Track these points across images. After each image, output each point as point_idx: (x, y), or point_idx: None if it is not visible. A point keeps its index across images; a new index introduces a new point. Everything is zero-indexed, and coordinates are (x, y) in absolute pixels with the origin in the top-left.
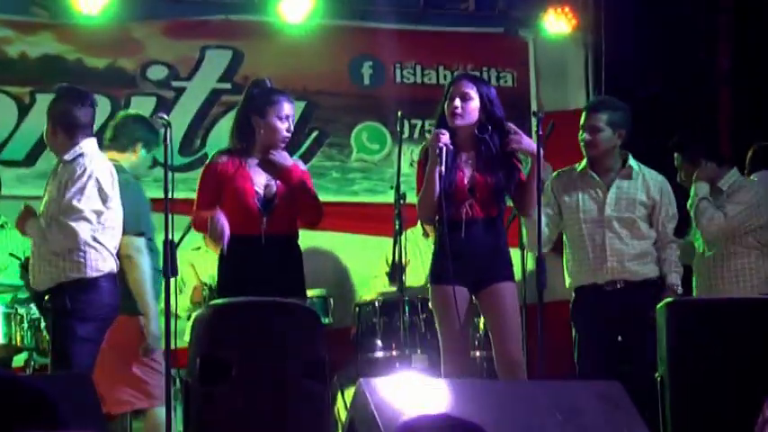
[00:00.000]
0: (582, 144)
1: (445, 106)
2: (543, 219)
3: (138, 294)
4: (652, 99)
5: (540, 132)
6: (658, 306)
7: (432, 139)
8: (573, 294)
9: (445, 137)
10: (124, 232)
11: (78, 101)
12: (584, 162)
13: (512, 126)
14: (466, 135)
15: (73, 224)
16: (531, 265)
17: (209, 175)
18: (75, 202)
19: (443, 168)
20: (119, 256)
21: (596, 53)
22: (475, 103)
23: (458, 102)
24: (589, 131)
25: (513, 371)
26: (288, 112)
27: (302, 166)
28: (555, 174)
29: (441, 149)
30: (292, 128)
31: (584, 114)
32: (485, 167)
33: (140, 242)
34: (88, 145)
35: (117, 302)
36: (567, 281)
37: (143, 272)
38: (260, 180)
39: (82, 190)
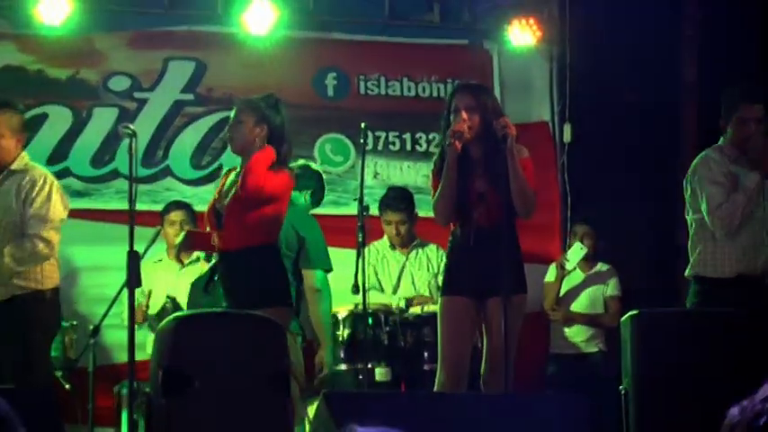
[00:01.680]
0: None
1: (451, 119)
2: None
3: (323, 326)
4: (618, 110)
5: (503, 144)
6: (623, 318)
7: (449, 134)
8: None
9: (462, 125)
10: (315, 266)
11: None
12: None
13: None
14: (475, 145)
15: (47, 234)
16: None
17: None
18: (45, 212)
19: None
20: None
21: (561, 65)
22: (478, 113)
23: (464, 114)
24: None
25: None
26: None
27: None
28: None
29: (457, 134)
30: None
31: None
32: (496, 175)
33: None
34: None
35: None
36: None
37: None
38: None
39: (48, 199)
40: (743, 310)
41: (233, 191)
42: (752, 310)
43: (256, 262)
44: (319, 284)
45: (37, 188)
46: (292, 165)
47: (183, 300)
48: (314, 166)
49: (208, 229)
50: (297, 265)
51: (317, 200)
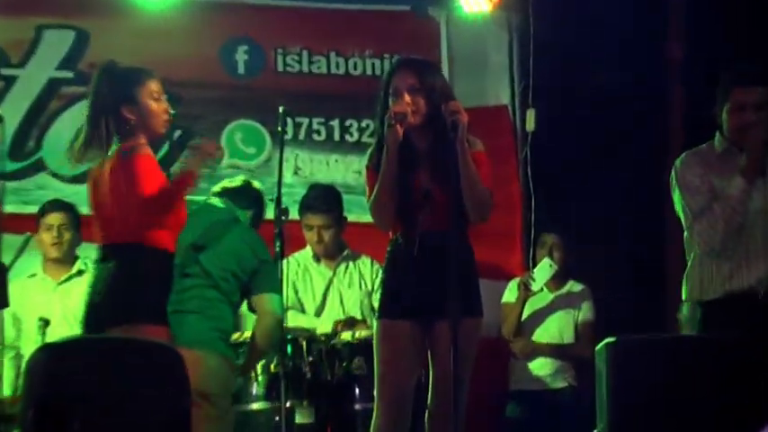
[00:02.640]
0: None
1: (390, 104)
2: None
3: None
4: (591, 93)
5: (452, 133)
6: (597, 347)
7: (389, 116)
8: None
9: (401, 107)
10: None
11: None
12: None
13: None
14: (419, 134)
15: None
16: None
17: None
18: None
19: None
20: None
21: (523, 37)
22: (423, 96)
23: (407, 97)
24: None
25: None
26: (160, 90)
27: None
28: None
29: (399, 116)
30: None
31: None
32: (443, 170)
33: None
34: None
35: None
36: None
37: None
38: None
39: None
40: (734, 335)
41: None
42: (744, 333)
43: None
44: (280, 311)
45: None
46: (230, 181)
47: (60, 323)
48: (256, 183)
49: None
50: (247, 287)
51: (256, 223)
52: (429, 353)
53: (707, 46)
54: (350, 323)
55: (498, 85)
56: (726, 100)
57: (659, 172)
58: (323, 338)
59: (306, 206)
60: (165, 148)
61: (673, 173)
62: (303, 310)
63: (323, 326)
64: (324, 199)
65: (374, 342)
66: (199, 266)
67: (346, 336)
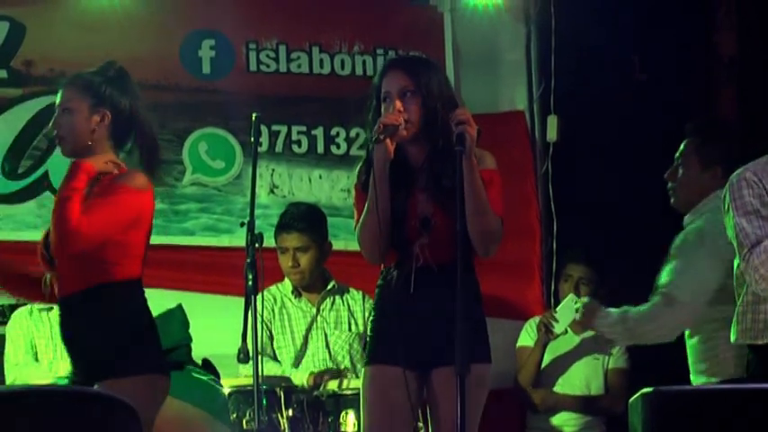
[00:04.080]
0: None
1: (382, 110)
2: None
3: None
4: (624, 97)
5: (458, 147)
6: (631, 399)
7: (376, 129)
8: None
9: (391, 118)
10: None
11: None
12: None
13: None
14: (415, 147)
15: None
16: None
17: None
18: None
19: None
20: None
21: (543, 31)
22: (418, 101)
23: (399, 104)
24: None
25: None
26: None
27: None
28: None
29: (388, 128)
30: None
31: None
32: (445, 192)
33: None
34: None
35: None
36: None
37: None
38: None
39: None
40: None
41: None
42: None
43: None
44: None
45: None
46: None
47: None
48: None
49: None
50: None
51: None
52: (428, 406)
53: (763, 39)
54: (335, 372)
55: (513, 88)
56: None
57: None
58: (304, 388)
59: (280, 225)
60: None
61: (727, 191)
62: (279, 356)
63: (305, 374)
64: (302, 216)
65: (361, 392)
66: None
67: (332, 385)
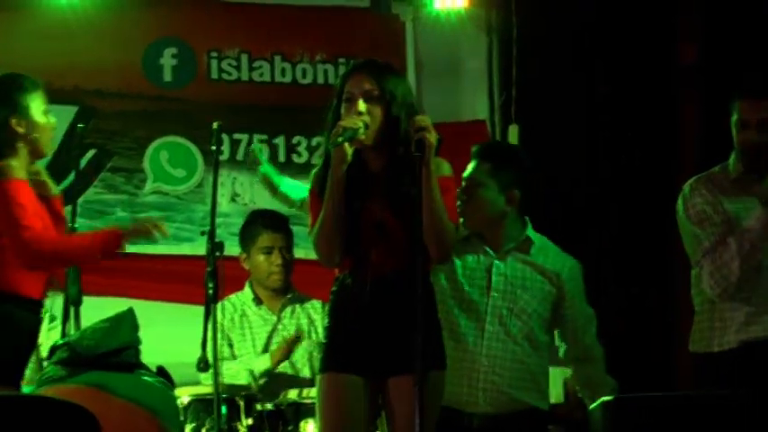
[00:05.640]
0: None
1: (342, 113)
2: None
3: None
4: (586, 106)
5: (417, 154)
6: (591, 406)
7: (335, 132)
8: None
9: (351, 121)
10: None
11: None
12: None
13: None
14: (373, 152)
15: None
16: None
17: None
18: None
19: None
20: None
21: (505, 39)
22: (381, 105)
23: (362, 105)
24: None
25: None
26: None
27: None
28: None
29: (347, 132)
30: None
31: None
32: (403, 199)
33: None
34: None
35: None
36: None
37: None
38: None
39: None
40: (750, 392)
41: None
42: (761, 390)
43: None
44: None
45: None
46: None
47: None
48: None
49: None
50: None
51: None
52: (384, 414)
53: (726, 48)
54: (296, 380)
55: (475, 97)
56: (731, 115)
57: (668, 198)
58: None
59: (264, 225)
60: (72, 175)
61: (680, 201)
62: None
63: (263, 362)
64: (282, 218)
65: (317, 400)
66: None
67: (292, 394)
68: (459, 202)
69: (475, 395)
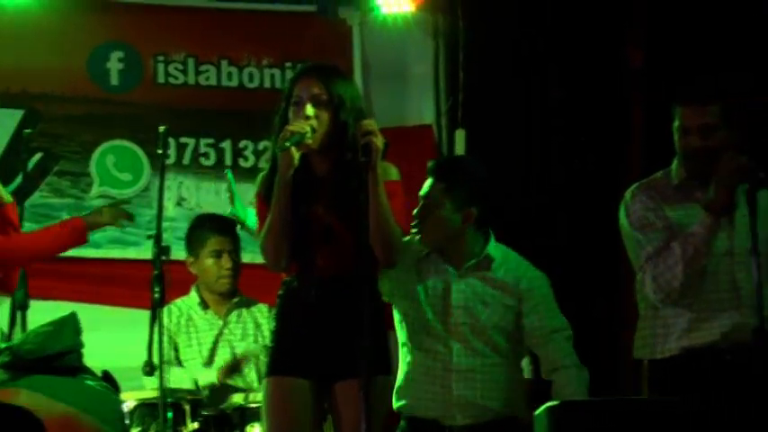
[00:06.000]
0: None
1: (290, 116)
2: None
3: None
4: (533, 111)
5: (363, 158)
6: (537, 412)
7: (282, 136)
8: None
9: (299, 125)
10: None
11: None
12: None
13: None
14: (320, 156)
15: None
16: None
17: None
18: None
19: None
20: None
21: (452, 44)
22: (329, 110)
23: (310, 109)
24: None
25: None
26: None
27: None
28: None
29: (295, 136)
30: None
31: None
32: (349, 203)
33: None
34: None
35: None
36: None
37: None
38: None
39: None
40: (692, 399)
41: None
42: (703, 397)
43: None
44: None
45: None
46: None
47: None
48: None
49: None
50: None
51: None
52: (331, 418)
53: (671, 52)
54: (235, 367)
55: (421, 101)
56: (675, 121)
57: (615, 204)
58: (207, 393)
59: (213, 229)
60: (19, 178)
61: (622, 208)
62: (185, 369)
63: (207, 376)
64: (230, 222)
65: (263, 404)
66: None
67: (238, 399)
68: (415, 221)
69: (450, 410)
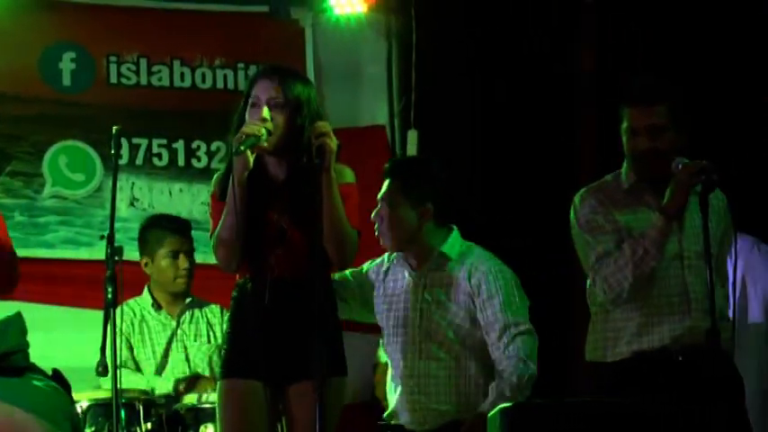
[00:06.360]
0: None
1: (246, 117)
2: None
3: None
4: (486, 112)
5: (317, 161)
6: (490, 413)
7: (236, 138)
8: None
9: (253, 128)
10: None
11: None
12: None
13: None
14: (275, 159)
15: None
16: None
17: None
18: None
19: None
20: None
21: (404, 45)
22: (285, 112)
23: (266, 112)
24: None
25: None
26: None
27: None
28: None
29: (249, 138)
30: None
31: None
32: (303, 205)
33: None
34: None
35: None
36: None
37: None
38: None
39: None
40: (643, 402)
41: None
42: (654, 400)
43: None
44: None
45: None
46: None
47: None
48: None
49: None
50: None
51: None
52: (284, 420)
53: (622, 54)
54: (194, 381)
55: (374, 103)
56: (622, 122)
57: (566, 204)
58: (163, 401)
59: (171, 229)
60: None
61: (572, 212)
62: (139, 369)
63: (163, 386)
64: (186, 222)
65: (217, 406)
66: None
67: (191, 399)
68: (375, 224)
69: (412, 416)
